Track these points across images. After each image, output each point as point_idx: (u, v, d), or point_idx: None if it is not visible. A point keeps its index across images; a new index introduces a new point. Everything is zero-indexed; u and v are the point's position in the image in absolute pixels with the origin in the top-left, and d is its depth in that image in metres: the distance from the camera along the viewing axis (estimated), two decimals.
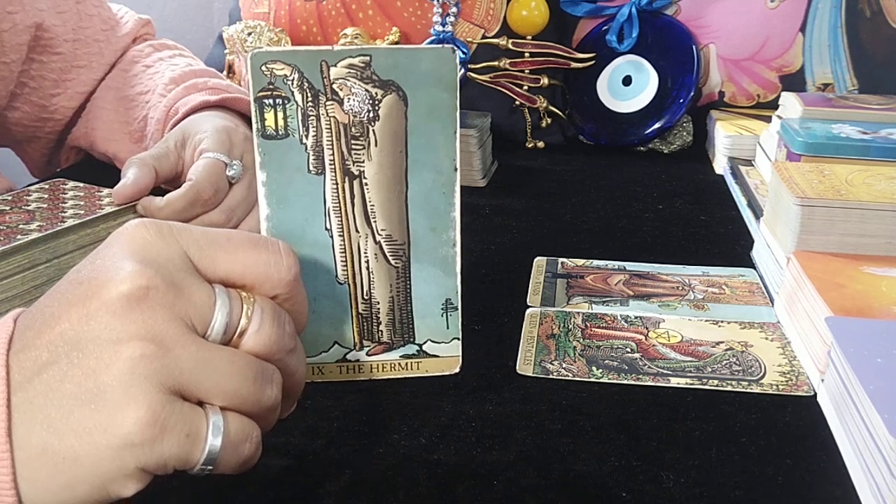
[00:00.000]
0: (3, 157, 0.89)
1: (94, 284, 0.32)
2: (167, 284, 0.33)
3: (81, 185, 0.63)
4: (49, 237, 0.54)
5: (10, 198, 0.59)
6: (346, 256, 0.47)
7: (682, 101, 0.96)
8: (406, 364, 0.50)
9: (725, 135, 0.90)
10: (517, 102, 1.00)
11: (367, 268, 0.48)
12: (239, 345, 0.35)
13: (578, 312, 0.58)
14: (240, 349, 0.35)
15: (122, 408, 0.31)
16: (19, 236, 0.53)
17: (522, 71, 1.00)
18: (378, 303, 0.48)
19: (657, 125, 0.97)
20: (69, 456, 0.31)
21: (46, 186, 0.62)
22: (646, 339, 0.54)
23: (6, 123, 0.83)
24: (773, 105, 0.90)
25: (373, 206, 0.47)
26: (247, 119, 0.69)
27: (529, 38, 0.99)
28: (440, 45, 0.46)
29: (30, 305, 0.34)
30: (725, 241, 0.72)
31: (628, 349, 0.53)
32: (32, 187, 0.62)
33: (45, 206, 0.58)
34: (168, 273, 0.33)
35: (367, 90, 0.45)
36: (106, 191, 0.62)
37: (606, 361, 0.52)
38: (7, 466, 0.30)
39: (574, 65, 0.99)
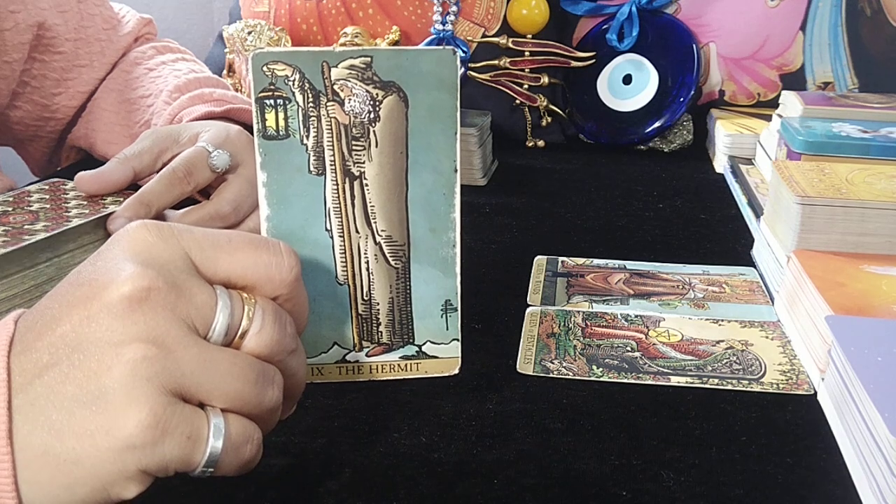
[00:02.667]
0: (5, 156, 0.90)
1: (95, 286, 0.32)
2: (168, 286, 0.33)
3: None
4: (52, 235, 0.54)
5: (11, 198, 0.59)
6: (346, 257, 0.47)
7: (682, 99, 0.96)
8: (405, 365, 0.50)
9: (726, 133, 0.91)
10: (517, 101, 1.00)
11: (367, 269, 0.48)
12: (240, 346, 0.35)
13: (579, 311, 0.58)
14: (241, 350, 0.35)
15: (124, 410, 0.31)
16: (26, 237, 0.53)
17: (523, 70, 1.00)
18: (378, 304, 0.48)
19: (657, 124, 0.97)
20: (70, 458, 0.31)
21: (46, 187, 0.62)
22: (646, 337, 0.54)
23: (8, 122, 0.83)
24: (774, 104, 0.90)
25: (373, 206, 0.47)
26: (250, 129, 0.69)
27: (529, 36, 0.99)
28: (441, 47, 0.46)
29: (30, 304, 0.34)
30: (726, 240, 0.72)
31: (629, 348, 0.53)
32: (31, 187, 0.62)
33: (48, 206, 0.58)
34: (169, 274, 0.33)
35: (367, 91, 0.45)
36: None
37: (607, 360, 0.52)
38: (8, 468, 0.30)
39: (574, 64, 0.99)
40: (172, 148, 0.63)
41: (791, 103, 0.82)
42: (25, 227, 0.54)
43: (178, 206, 0.61)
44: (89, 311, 0.32)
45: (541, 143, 1.01)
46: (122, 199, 0.60)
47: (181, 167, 0.60)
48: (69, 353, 0.31)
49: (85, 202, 0.59)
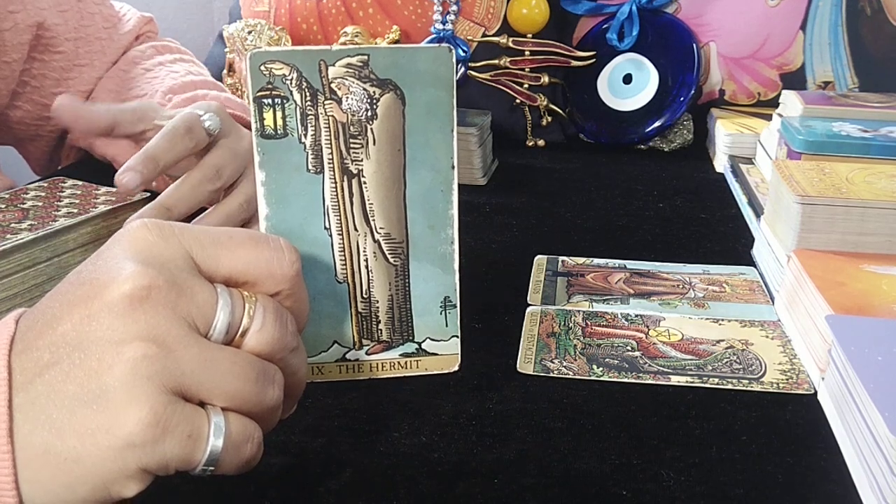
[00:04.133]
0: (6, 155, 0.90)
1: (95, 285, 0.32)
2: (169, 284, 0.33)
3: (80, 183, 0.63)
4: (49, 235, 0.54)
5: (7, 196, 0.59)
6: (345, 255, 0.47)
7: (682, 99, 0.96)
8: (405, 363, 0.50)
9: (726, 133, 0.90)
10: (517, 101, 1.00)
11: (366, 266, 0.48)
12: (241, 344, 0.35)
13: (579, 311, 0.58)
14: (242, 349, 0.34)
15: (124, 408, 0.31)
16: (8, 235, 0.53)
17: (523, 69, 1.00)
18: (377, 301, 0.48)
19: (658, 123, 0.97)
20: (71, 457, 0.31)
21: (45, 185, 0.62)
22: (646, 337, 0.54)
23: (8, 122, 0.83)
24: (774, 103, 0.90)
25: (371, 204, 0.47)
26: None
27: (530, 36, 0.99)
28: (437, 45, 0.46)
29: (31, 303, 0.34)
30: (726, 240, 0.72)
31: (629, 347, 0.53)
32: (31, 185, 0.62)
33: (40, 204, 0.58)
34: (170, 273, 0.33)
35: (365, 89, 0.45)
36: (104, 189, 0.62)
37: (607, 360, 0.52)
38: (9, 467, 0.30)
39: (574, 63, 0.99)
40: (154, 117, 0.64)
41: (791, 103, 0.82)
42: (11, 225, 0.54)
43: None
44: (90, 310, 0.32)
45: (541, 142, 1.01)
46: (113, 199, 0.60)
47: (181, 124, 0.59)
48: (70, 351, 0.31)
49: (77, 201, 0.59)
